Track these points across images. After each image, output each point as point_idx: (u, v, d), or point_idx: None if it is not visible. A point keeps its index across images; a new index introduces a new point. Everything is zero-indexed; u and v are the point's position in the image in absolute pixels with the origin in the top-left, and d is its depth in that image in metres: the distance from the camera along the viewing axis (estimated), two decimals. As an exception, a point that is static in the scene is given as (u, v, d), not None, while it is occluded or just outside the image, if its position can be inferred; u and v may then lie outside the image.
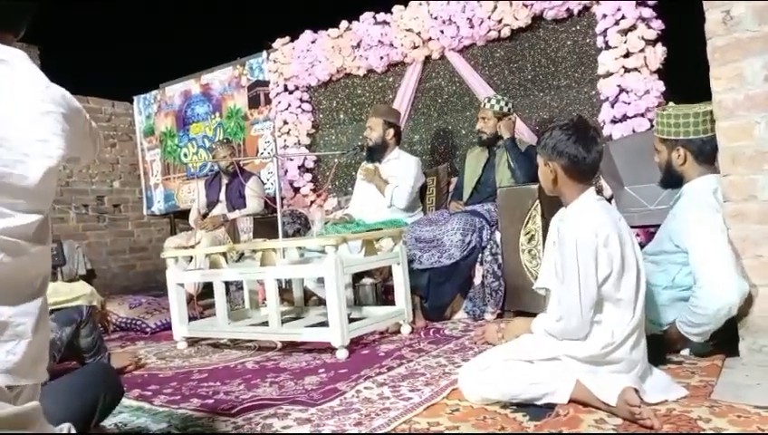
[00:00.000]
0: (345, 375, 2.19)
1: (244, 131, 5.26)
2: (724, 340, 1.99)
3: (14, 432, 0.66)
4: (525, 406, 1.65)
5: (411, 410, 1.70)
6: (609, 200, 2.97)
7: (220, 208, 4.50)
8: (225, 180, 4.52)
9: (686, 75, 3.05)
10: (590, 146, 1.71)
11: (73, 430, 0.75)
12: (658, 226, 2.29)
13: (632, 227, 1.99)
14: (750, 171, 1.87)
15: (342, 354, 2.46)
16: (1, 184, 0.90)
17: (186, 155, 5.73)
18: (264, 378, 2.27)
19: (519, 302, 3.00)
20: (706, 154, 2.06)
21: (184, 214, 5.57)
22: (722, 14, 1.88)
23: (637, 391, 1.53)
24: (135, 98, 6.12)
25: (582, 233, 1.64)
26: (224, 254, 3.03)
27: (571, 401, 1.62)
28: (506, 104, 3.38)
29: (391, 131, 3.63)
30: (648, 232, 2.96)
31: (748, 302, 1.87)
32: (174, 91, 5.80)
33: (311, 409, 1.81)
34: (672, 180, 2.17)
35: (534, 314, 2.00)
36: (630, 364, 1.67)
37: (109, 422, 1.69)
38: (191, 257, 3.66)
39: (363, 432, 1.56)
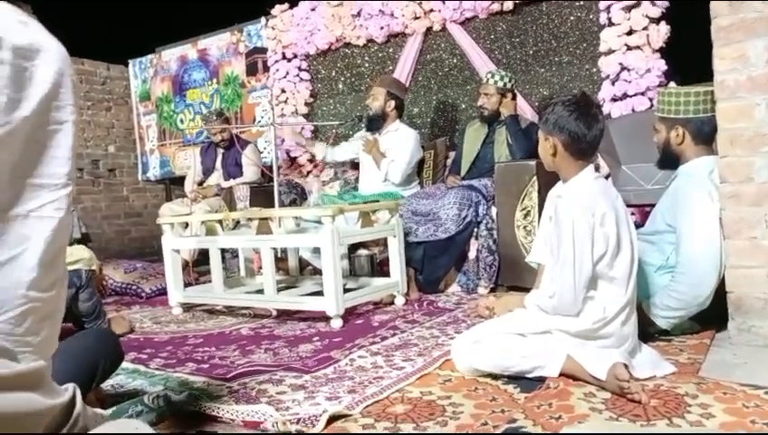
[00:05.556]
0: (339, 344, 2.22)
1: (241, 99, 5.21)
2: (712, 319, 2.02)
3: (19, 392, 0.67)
4: (517, 378, 1.68)
5: (404, 380, 1.73)
6: (605, 178, 2.98)
7: (216, 177, 4.49)
8: (221, 149, 4.50)
9: (687, 55, 3.04)
10: (591, 123, 1.71)
11: (78, 391, 0.76)
12: (654, 205, 2.30)
13: (628, 205, 2.01)
14: (748, 153, 1.88)
15: (337, 323, 2.49)
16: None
17: (182, 121, 5.68)
18: (258, 344, 2.29)
19: (513, 277, 3.03)
20: (705, 135, 2.06)
21: (180, 180, 5.55)
22: (729, -7, 1.86)
23: (626, 366, 1.56)
24: (130, 61, 6.03)
25: (579, 212, 1.65)
26: (219, 221, 3.03)
27: (561, 374, 1.65)
28: (510, 80, 3.36)
29: (393, 103, 3.60)
30: (643, 211, 2.97)
31: (741, 282, 1.90)
32: (170, 56, 5.71)
33: (305, 375, 1.83)
34: (669, 161, 2.18)
35: (527, 290, 2.02)
36: (620, 339, 1.70)
37: (105, 384, 1.71)
38: (187, 224, 3.66)
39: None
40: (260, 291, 2.92)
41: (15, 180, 0.80)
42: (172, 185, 6.03)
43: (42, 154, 0.82)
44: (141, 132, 6.04)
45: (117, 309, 3.35)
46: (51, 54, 0.83)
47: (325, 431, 1.41)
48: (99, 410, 0.84)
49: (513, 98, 3.40)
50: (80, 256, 2.36)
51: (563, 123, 1.72)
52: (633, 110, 3.26)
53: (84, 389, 1.37)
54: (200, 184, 4.55)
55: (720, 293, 1.95)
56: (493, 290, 3.09)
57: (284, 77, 4.80)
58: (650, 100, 3.23)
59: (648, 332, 1.99)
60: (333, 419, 1.46)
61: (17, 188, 0.80)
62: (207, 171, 4.57)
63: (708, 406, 1.42)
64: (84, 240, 5.35)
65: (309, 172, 4.69)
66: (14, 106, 0.79)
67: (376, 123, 3.62)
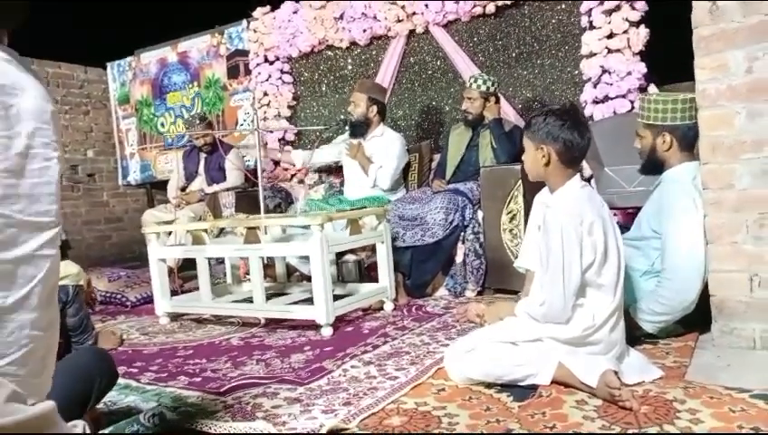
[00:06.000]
0: (331, 353, 2.22)
1: (222, 102, 5.17)
2: (695, 321, 2.08)
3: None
4: (509, 387, 1.70)
5: (398, 390, 1.74)
6: (588, 180, 3.02)
7: (199, 182, 4.46)
8: (203, 154, 4.47)
9: (666, 57, 3.09)
10: (583, 132, 1.75)
11: (88, 430, 0.76)
12: (637, 207, 2.34)
13: (611, 208, 2.05)
14: (729, 160, 1.92)
15: (327, 332, 2.49)
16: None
17: (163, 125, 5.61)
18: (250, 355, 2.29)
19: (500, 280, 3.06)
20: (689, 140, 2.11)
21: (161, 184, 5.49)
22: (709, 3, 1.90)
23: (616, 373, 1.60)
24: (109, 64, 5.94)
25: (568, 221, 1.68)
26: (206, 229, 3.01)
27: (553, 382, 1.68)
28: (493, 84, 3.38)
29: (375, 108, 3.60)
30: (626, 213, 3.02)
31: (723, 286, 1.95)
32: (150, 59, 5.64)
33: (299, 388, 1.84)
34: (653, 166, 2.21)
35: (514, 292, 2.04)
36: (609, 346, 1.73)
37: (98, 402, 1.70)
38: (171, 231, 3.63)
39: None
40: (248, 299, 2.91)
41: (12, 219, 0.79)
42: (153, 189, 5.96)
43: (33, 192, 0.82)
44: (121, 136, 5.96)
45: (102, 319, 3.31)
46: (32, 92, 0.83)
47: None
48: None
49: (497, 101, 3.43)
50: (67, 271, 2.33)
51: (557, 133, 1.74)
52: (615, 112, 3.31)
53: (81, 408, 1.36)
54: (183, 189, 4.51)
55: (703, 296, 2.00)
56: (480, 293, 3.12)
57: (267, 80, 4.78)
58: (631, 102, 3.28)
59: (634, 335, 2.03)
60: (331, 433, 1.47)
61: (15, 227, 0.79)
62: (190, 176, 4.53)
63: (696, 411, 1.46)
64: (64, 247, 5.28)
65: (293, 176, 4.67)
66: (8, 144, 0.79)
67: (360, 129, 3.62)
